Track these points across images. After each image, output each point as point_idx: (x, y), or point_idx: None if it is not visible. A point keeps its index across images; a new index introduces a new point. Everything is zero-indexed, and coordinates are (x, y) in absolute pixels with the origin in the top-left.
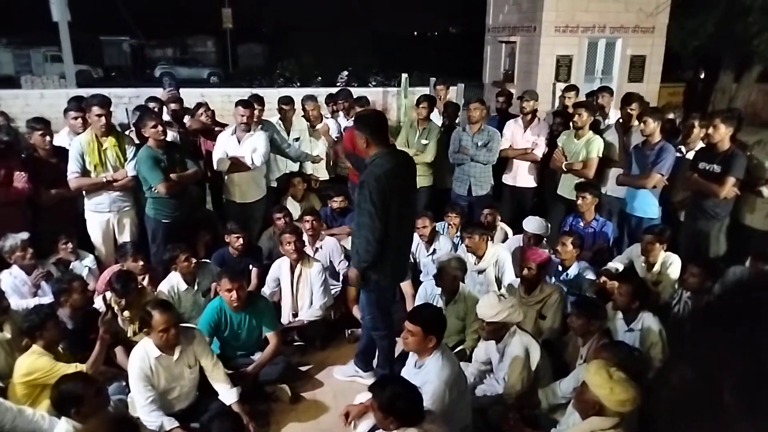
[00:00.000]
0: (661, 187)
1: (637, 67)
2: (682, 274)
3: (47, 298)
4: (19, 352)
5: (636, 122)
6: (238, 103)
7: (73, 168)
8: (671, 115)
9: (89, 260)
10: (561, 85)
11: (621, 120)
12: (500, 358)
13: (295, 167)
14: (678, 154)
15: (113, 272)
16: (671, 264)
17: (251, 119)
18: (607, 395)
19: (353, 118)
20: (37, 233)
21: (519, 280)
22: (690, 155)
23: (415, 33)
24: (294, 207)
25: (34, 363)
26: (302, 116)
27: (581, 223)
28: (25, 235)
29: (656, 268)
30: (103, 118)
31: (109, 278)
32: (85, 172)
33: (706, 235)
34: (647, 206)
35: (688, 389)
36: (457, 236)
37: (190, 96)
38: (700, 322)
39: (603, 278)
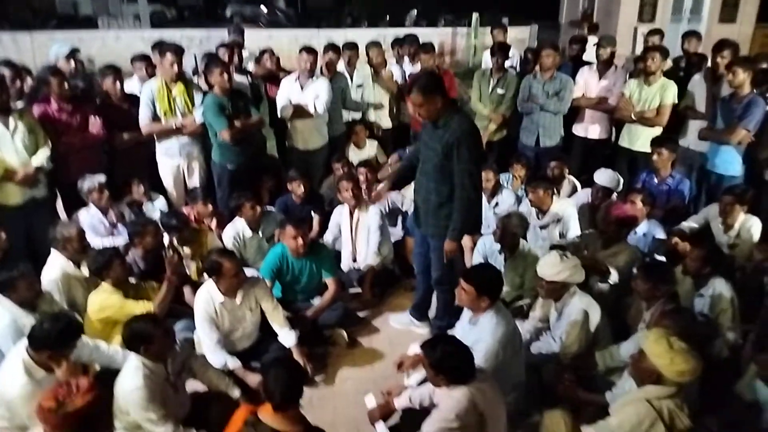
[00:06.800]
0: (746, 143)
1: (729, 6)
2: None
3: (122, 239)
4: (95, 288)
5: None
6: (302, 50)
7: (144, 113)
8: (765, 65)
9: (160, 202)
10: (644, 28)
11: (711, 68)
12: (558, 317)
13: (357, 115)
14: None
15: (164, 214)
16: (751, 227)
17: (314, 65)
18: (666, 365)
19: (414, 91)
20: (113, 176)
21: (598, 232)
22: None
23: None
24: (356, 154)
25: (105, 300)
26: (366, 62)
27: (655, 180)
28: (101, 177)
29: (734, 230)
30: (175, 66)
31: (161, 219)
32: (155, 118)
33: None
34: (729, 163)
35: None
36: (522, 189)
37: (258, 38)
38: None
39: (675, 239)
